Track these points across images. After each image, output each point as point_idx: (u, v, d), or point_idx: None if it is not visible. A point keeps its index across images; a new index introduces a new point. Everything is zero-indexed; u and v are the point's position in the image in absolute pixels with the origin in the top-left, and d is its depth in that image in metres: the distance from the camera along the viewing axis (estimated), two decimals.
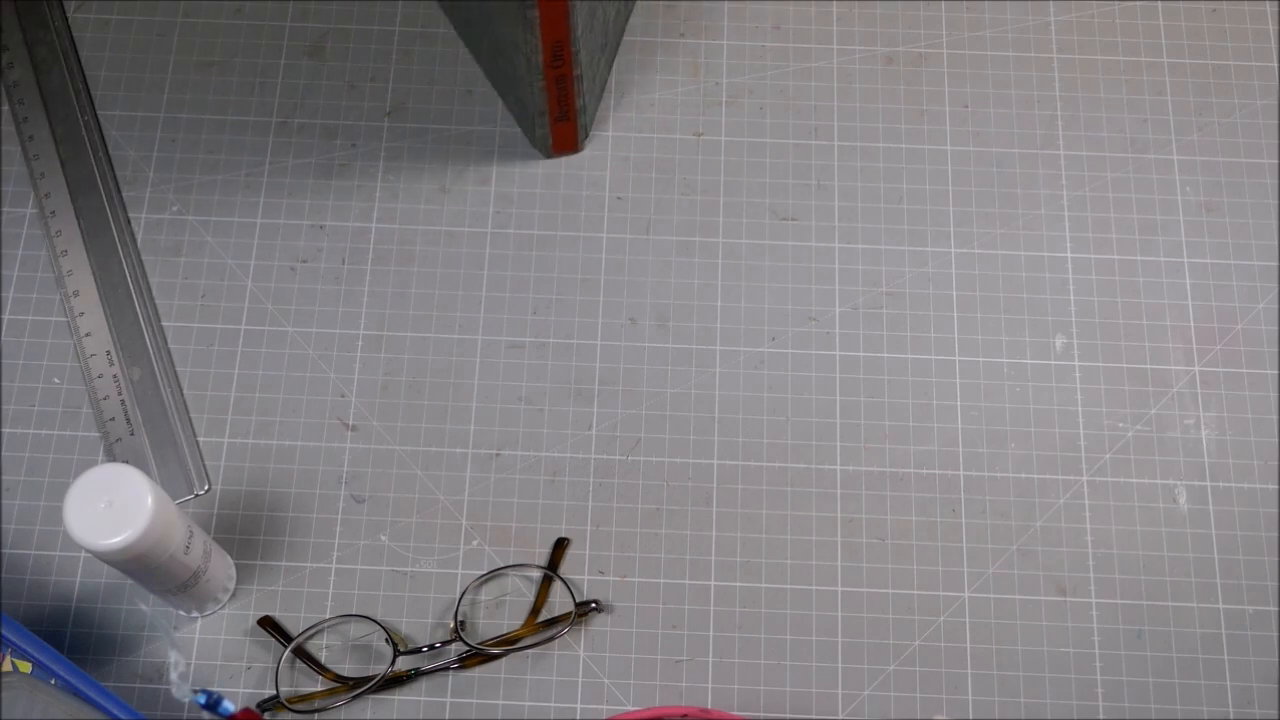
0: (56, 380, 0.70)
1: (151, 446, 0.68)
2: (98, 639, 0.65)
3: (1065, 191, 0.74)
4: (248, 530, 0.67)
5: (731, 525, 0.68)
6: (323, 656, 0.65)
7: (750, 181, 0.74)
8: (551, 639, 0.65)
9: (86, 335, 0.70)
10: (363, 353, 0.71)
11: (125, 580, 0.66)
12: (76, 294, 0.71)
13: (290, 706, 0.64)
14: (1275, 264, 0.73)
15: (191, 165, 0.74)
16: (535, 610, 0.66)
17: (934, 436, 0.69)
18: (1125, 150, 0.75)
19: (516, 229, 0.73)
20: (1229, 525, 0.68)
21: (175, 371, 0.70)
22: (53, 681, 0.59)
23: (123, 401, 0.69)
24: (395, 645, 0.64)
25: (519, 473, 0.68)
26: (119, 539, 0.54)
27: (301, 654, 0.65)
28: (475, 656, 0.65)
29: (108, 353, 0.70)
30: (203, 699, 0.60)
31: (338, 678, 0.64)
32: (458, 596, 0.66)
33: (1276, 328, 0.71)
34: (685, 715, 0.64)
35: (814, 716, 0.65)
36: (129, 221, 0.73)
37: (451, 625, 0.65)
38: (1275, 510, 0.68)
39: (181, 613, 0.65)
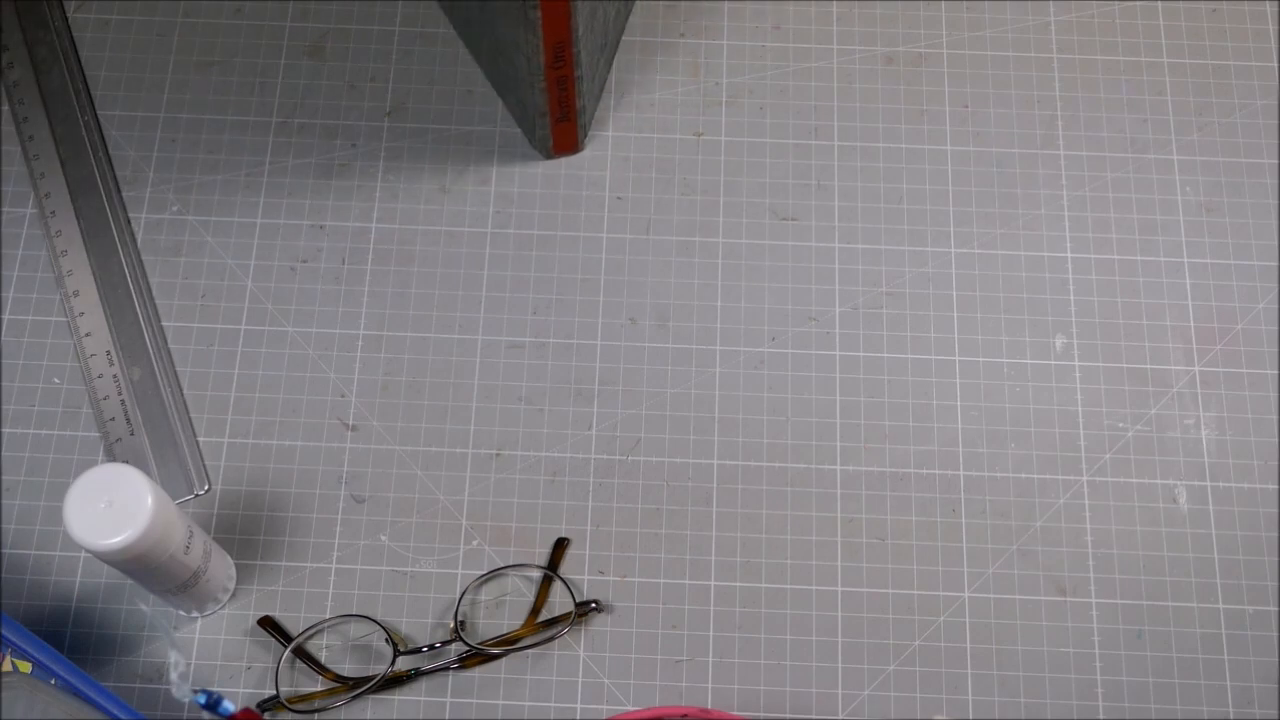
0: (56, 380, 0.70)
1: (151, 446, 0.68)
2: (98, 639, 0.65)
3: (1065, 191, 0.74)
4: (248, 530, 0.67)
5: (731, 525, 0.68)
6: (323, 656, 0.65)
7: (750, 181, 0.74)
8: (551, 639, 0.65)
9: (86, 335, 0.70)
10: (363, 353, 0.71)
11: (125, 580, 0.66)
12: (76, 294, 0.71)
13: (290, 706, 0.64)
14: (1275, 264, 0.73)
15: (191, 165, 0.74)
16: (535, 610, 0.66)
17: (934, 436, 0.69)
18: (1125, 150, 0.75)
19: (516, 229, 0.73)
20: (1229, 525, 0.68)
21: (175, 371, 0.70)
22: (53, 681, 0.59)
23: (123, 401, 0.69)
24: (395, 645, 0.64)
25: (519, 473, 0.68)
26: (119, 539, 0.54)
27: (301, 654, 0.65)
28: (475, 656, 0.65)
29: (108, 353, 0.70)
30: (203, 699, 0.60)
31: (338, 678, 0.64)
32: (458, 596, 0.66)
33: (1276, 328, 0.71)
34: (685, 715, 0.64)
35: (814, 716, 0.64)
36: (129, 221, 0.73)
37: (451, 625, 0.65)
38: (1275, 510, 0.68)
39: (181, 613, 0.65)
